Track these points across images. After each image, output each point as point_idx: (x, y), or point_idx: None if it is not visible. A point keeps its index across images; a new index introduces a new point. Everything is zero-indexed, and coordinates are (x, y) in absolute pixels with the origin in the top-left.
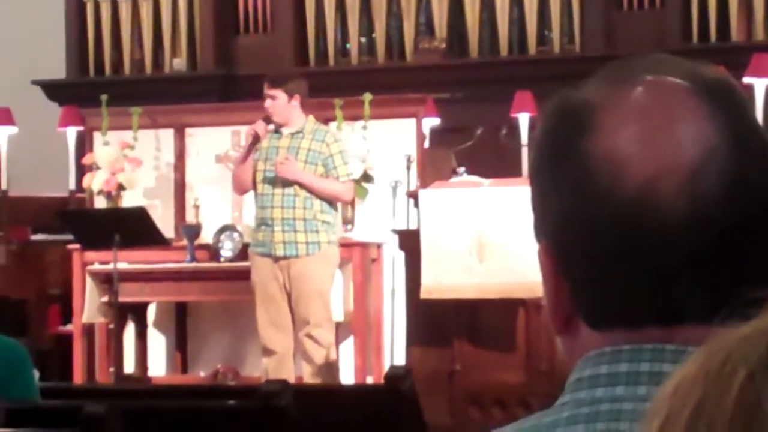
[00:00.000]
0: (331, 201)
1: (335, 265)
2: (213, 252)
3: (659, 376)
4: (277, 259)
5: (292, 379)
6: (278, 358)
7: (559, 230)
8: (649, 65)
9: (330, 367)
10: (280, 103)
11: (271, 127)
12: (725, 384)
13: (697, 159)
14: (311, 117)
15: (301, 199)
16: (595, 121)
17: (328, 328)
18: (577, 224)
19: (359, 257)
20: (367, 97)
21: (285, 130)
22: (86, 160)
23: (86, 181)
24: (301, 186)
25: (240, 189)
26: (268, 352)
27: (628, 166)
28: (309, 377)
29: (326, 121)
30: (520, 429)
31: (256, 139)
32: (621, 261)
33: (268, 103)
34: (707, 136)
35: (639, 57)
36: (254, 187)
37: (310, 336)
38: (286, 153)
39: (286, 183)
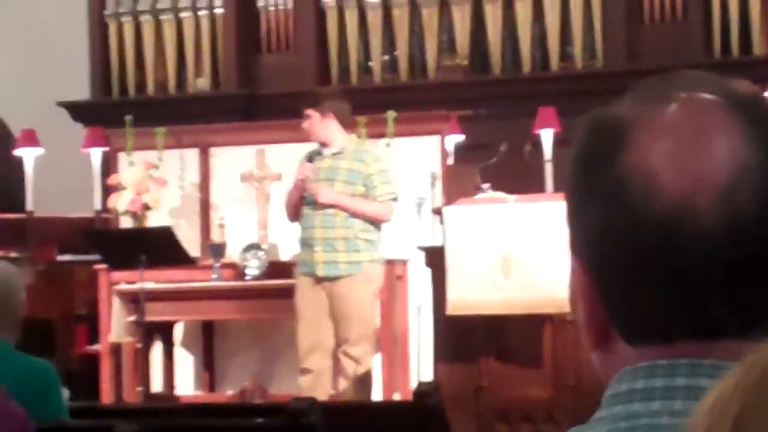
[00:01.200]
0: (371, 222)
1: (377, 284)
2: (239, 270)
3: (695, 391)
4: (319, 279)
5: (326, 397)
6: (314, 376)
7: (594, 245)
8: (683, 82)
9: (364, 384)
10: (313, 122)
11: (316, 146)
12: (763, 399)
13: (731, 174)
14: (354, 136)
15: (341, 219)
16: (629, 137)
17: (367, 346)
18: (612, 239)
19: (385, 274)
20: (391, 114)
21: (327, 151)
22: (111, 180)
23: (112, 202)
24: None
25: (292, 219)
26: (305, 371)
27: (663, 181)
28: (342, 394)
29: None
30: None
31: (304, 182)
32: (655, 276)
33: (304, 123)
34: (741, 151)
35: (672, 74)
36: None
37: (346, 354)
38: (326, 174)
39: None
